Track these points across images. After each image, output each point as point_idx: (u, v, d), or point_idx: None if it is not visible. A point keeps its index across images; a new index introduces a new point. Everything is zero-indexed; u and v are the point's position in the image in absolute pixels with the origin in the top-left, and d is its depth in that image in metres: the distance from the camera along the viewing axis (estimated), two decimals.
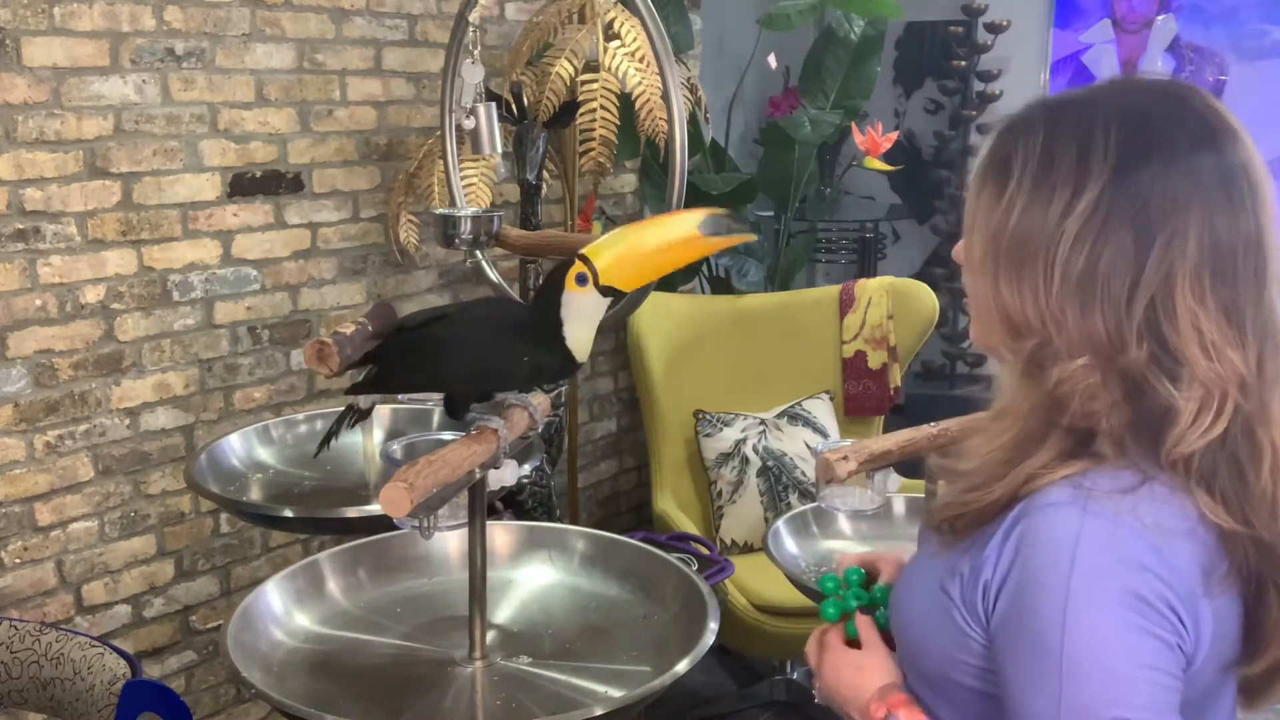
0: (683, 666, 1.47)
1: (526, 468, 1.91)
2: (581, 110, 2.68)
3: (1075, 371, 0.93)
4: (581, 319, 1.44)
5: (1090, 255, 0.93)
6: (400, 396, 2.18)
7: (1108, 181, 0.93)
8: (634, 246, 1.43)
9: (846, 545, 2.22)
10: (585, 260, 1.40)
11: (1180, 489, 0.93)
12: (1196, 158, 0.93)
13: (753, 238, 1.44)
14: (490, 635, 1.64)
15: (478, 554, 1.57)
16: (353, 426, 1.78)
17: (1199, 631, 0.91)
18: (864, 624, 1.16)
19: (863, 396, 3.35)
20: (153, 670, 2.49)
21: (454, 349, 1.50)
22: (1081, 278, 0.93)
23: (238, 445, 2.20)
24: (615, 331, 3.49)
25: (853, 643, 1.16)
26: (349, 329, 1.76)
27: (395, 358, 1.58)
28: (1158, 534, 0.90)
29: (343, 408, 1.76)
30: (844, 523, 2.24)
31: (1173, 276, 0.92)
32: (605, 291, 1.41)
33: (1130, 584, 0.88)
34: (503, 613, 1.75)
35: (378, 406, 2.05)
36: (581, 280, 1.40)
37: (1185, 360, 0.92)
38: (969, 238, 1.02)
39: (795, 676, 3.21)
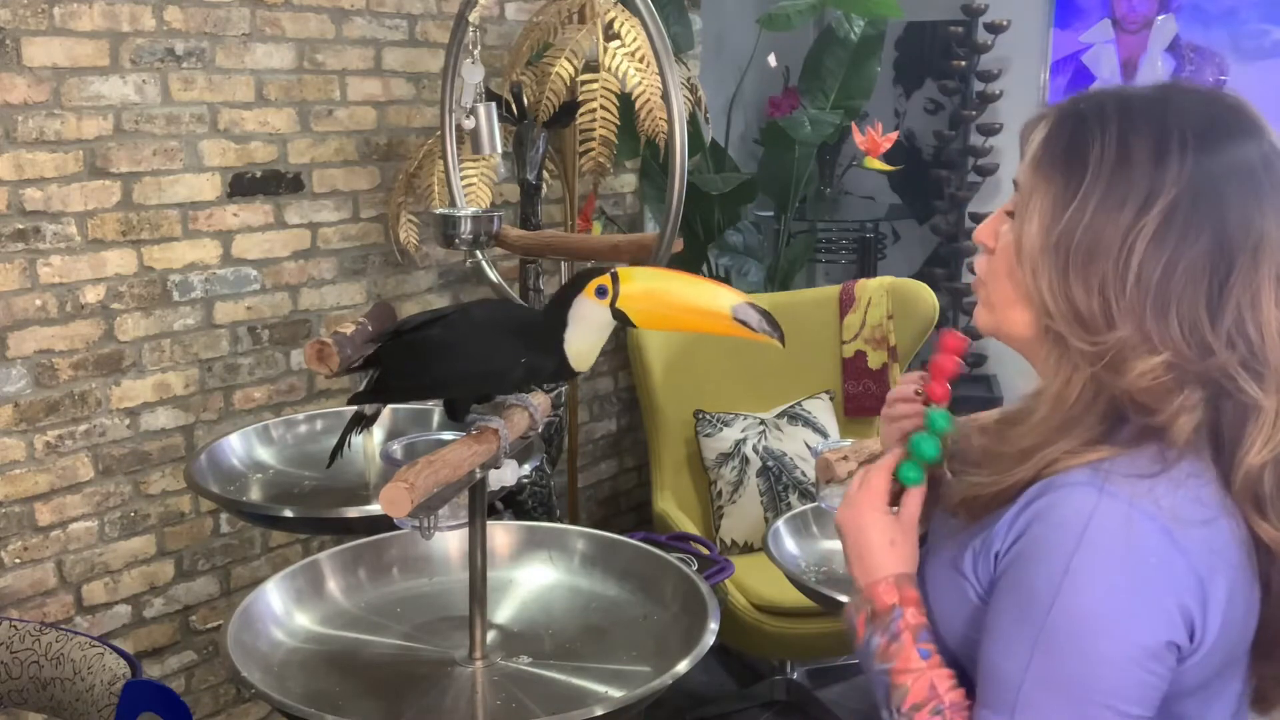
0: (683, 666, 1.47)
1: (526, 468, 1.91)
2: (581, 110, 2.68)
3: (1156, 367, 0.92)
4: (587, 328, 1.44)
5: (1169, 259, 0.92)
6: None
7: (1185, 186, 0.92)
8: (663, 290, 1.42)
9: None
10: (614, 277, 1.40)
11: (1204, 480, 0.93)
12: (1273, 167, 0.94)
13: (777, 344, 1.38)
14: (490, 635, 1.64)
15: (478, 554, 1.57)
16: (360, 434, 1.78)
17: (1206, 620, 0.91)
18: (914, 497, 1.09)
19: (863, 396, 3.35)
20: (153, 670, 2.49)
21: (452, 351, 1.50)
22: (1159, 281, 0.92)
23: (238, 445, 2.21)
24: (615, 331, 3.49)
25: (894, 494, 1.10)
26: (349, 329, 1.76)
27: (395, 363, 1.58)
28: (1172, 519, 0.90)
29: (348, 415, 1.76)
30: None
31: (1260, 284, 0.92)
32: (616, 314, 1.41)
33: (1135, 575, 0.89)
34: (503, 613, 1.75)
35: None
36: (601, 293, 1.40)
37: (1268, 363, 0.93)
38: (1025, 225, 0.98)
39: (795, 676, 3.21)
